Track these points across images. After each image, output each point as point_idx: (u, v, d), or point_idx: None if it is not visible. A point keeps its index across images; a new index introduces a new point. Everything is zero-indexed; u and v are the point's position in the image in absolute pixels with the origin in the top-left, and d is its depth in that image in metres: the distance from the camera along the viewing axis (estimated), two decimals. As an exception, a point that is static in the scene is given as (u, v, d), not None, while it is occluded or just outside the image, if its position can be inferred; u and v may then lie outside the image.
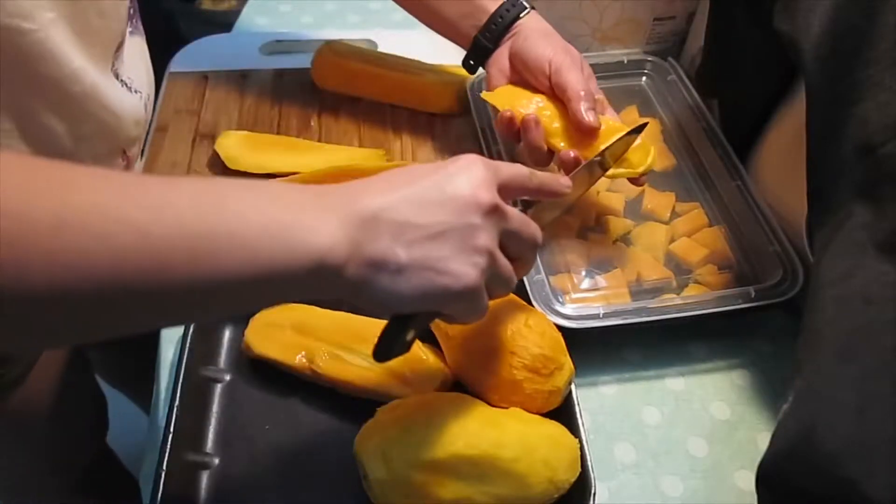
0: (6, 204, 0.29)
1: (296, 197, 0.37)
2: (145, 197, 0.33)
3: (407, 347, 0.46)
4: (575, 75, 0.63)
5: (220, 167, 0.74)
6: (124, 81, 0.60)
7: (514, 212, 0.43)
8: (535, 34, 0.66)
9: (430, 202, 0.40)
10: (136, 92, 0.62)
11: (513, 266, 0.44)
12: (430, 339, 0.59)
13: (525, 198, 0.51)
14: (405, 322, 0.44)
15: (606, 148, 0.59)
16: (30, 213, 0.30)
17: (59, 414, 0.75)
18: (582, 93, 0.61)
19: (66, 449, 0.82)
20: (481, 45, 0.68)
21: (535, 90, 0.66)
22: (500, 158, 0.72)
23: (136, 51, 0.64)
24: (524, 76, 0.67)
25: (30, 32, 0.48)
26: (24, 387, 0.68)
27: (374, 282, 0.39)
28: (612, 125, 0.64)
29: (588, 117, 0.61)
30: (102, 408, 0.88)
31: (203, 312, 0.40)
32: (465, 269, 0.40)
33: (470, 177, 0.41)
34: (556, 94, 0.64)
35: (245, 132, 0.77)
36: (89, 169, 0.33)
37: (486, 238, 0.41)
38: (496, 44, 0.68)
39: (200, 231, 0.33)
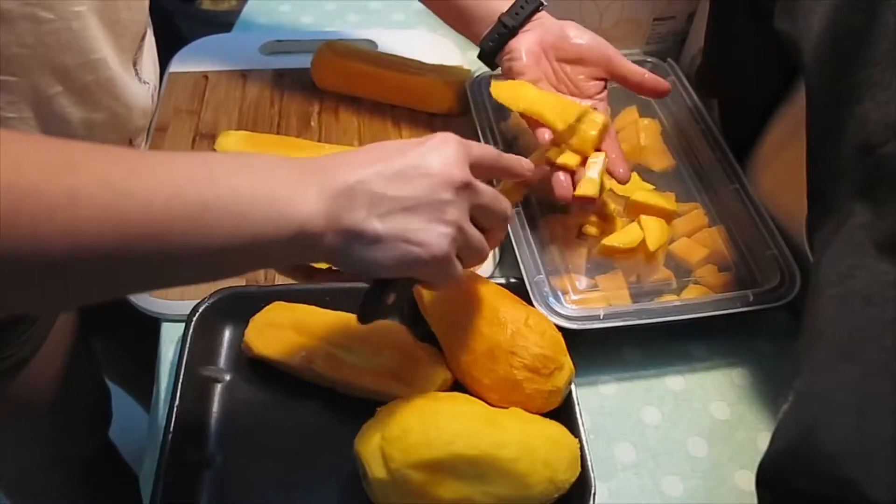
0: (24, 181, 0.32)
1: (280, 171, 0.41)
2: (147, 173, 0.36)
3: (388, 311, 0.49)
4: (626, 61, 0.67)
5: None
6: (137, 71, 0.61)
7: (485, 188, 0.46)
8: (567, 25, 0.67)
9: (404, 177, 0.43)
10: (145, 83, 0.62)
11: (485, 237, 0.48)
12: (430, 339, 0.59)
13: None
14: (384, 287, 0.47)
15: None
16: (46, 190, 0.32)
17: (62, 404, 0.75)
18: (646, 74, 0.67)
19: (68, 440, 0.82)
20: (508, 26, 0.67)
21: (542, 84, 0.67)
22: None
23: (148, 42, 0.65)
24: (562, 65, 0.67)
25: (48, 22, 0.49)
26: (28, 373, 0.68)
27: (350, 250, 0.42)
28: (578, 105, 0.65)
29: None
30: (106, 401, 0.88)
31: (198, 275, 0.43)
32: (435, 240, 0.43)
33: (443, 154, 0.44)
34: (608, 77, 0.68)
35: (245, 132, 0.77)
36: (97, 147, 0.36)
37: (456, 212, 0.44)
38: (520, 26, 0.67)
39: (196, 203, 0.37)
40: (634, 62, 0.83)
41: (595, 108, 0.65)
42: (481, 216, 0.47)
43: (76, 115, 0.54)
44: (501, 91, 0.65)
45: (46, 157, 0.34)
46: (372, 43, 0.90)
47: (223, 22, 1.12)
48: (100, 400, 0.87)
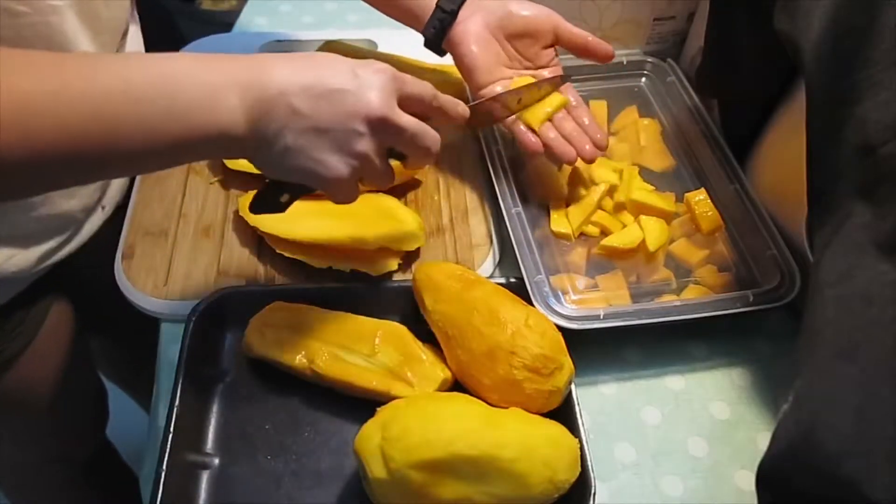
0: None
1: (203, 77, 0.43)
2: (62, 87, 0.39)
3: (281, 208, 0.54)
4: (571, 26, 0.68)
5: (219, 166, 0.75)
6: None
7: (406, 123, 0.48)
8: (508, 1, 0.68)
9: (326, 100, 0.45)
10: None
11: (408, 160, 0.52)
12: (430, 339, 0.59)
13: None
14: (281, 186, 0.52)
15: (517, 90, 0.65)
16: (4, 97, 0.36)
17: (58, 402, 0.75)
18: (589, 37, 0.68)
19: (66, 439, 0.82)
20: (447, 10, 0.67)
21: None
22: (500, 158, 0.72)
23: (135, 39, 0.64)
24: (512, 42, 0.68)
25: (24, 15, 0.49)
26: (21, 369, 0.68)
27: (263, 153, 0.46)
28: (527, 78, 0.67)
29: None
30: (103, 399, 0.88)
31: (111, 173, 0.53)
32: (336, 165, 0.47)
33: (371, 86, 0.46)
34: (564, 45, 0.69)
35: None
36: (15, 53, 0.39)
37: (365, 144, 0.47)
38: (458, 9, 0.67)
39: (109, 116, 0.40)
40: (634, 62, 0.84)
41: (549, 76, 0.68)
42: (402, 147, 0.50)
43: None
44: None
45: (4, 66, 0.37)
46: (372, 43, 0.90)
47: (223, 22, 1.12)
48: (97, 399, 0.87)
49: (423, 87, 0.50)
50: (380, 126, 0.47)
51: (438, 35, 0.67)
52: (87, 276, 0.72)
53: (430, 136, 0.50)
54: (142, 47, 0.67)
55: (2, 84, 0.37)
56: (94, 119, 0.40)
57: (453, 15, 0.66)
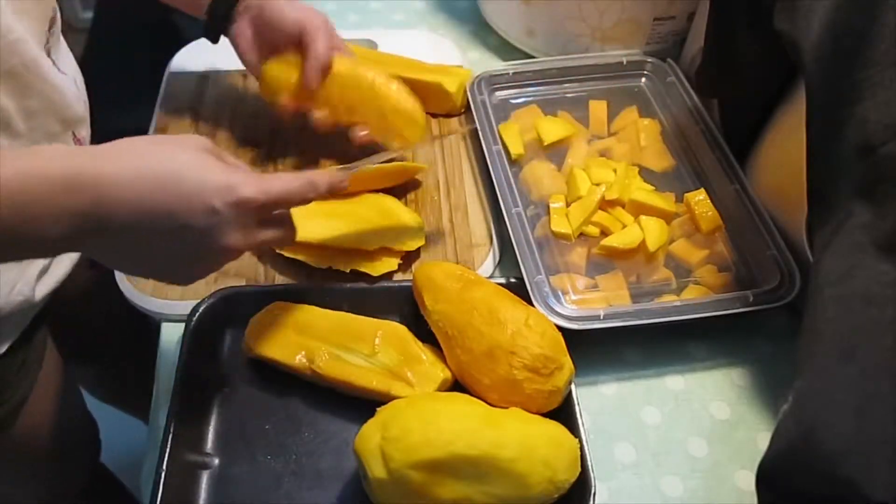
0: None
1: (46, 190, 0.40)
2: None
3: None
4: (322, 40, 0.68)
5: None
6: (53, 61, 0.59)
7: (266, 236, 0.49)
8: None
9: (184, 238, 0.44)
10: (63, 72, 0.61)
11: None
12: (430, 339, 0.59)
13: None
14: None
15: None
16: None
17: (56, 442, 0.73)
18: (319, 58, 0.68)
19: (65, 477, 0.81)
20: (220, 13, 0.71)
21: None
22: (500, 158, 0.72)
23: (60, 36, 0.64)
24: (272, 39, 0.70)
25: None
26: (29, 414, 0.67)
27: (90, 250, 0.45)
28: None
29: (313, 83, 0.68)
30: (95, 430, 0.87)
31: None
32: (200, 275, 0.49)
33: (229, 231, 0.45)
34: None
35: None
36: None
37: (234, 237, 0.45)
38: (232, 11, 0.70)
39: None
40: (634, 62, 0.84)
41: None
42: (274, 222, 0.50)
43: (11, 104, 0.53)
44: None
45: None
46: (372, 43, 0.90)
47: (223, 22, 1.12)
48: (90, 431, 0.86)
49: (292, 186, 0.49)
50: (241, 209, 0.45)
51: (216, 35, 0.73)
52: (79, 298, 0.71)
53: (287, 237, 0.51)
54: (66, 47, 0.66)
55: None
56: None
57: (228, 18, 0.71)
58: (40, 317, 0.65)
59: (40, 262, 0.61)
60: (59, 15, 0.61)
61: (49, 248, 0.45)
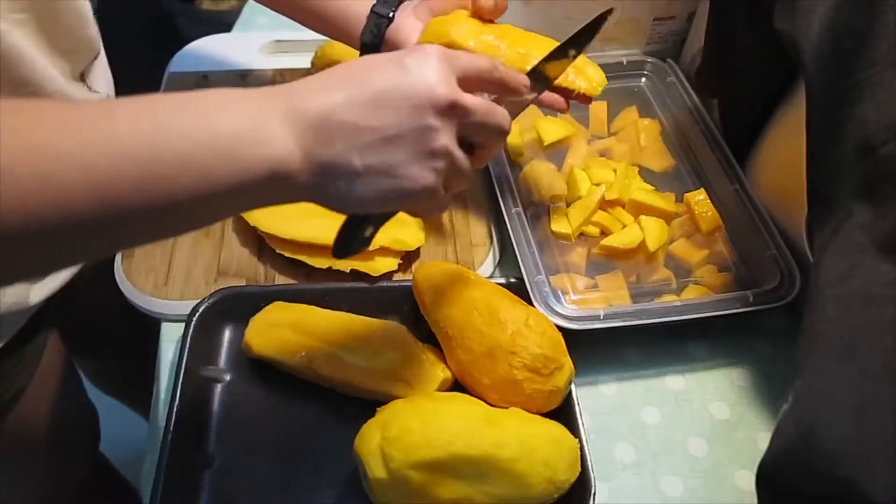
0: None
1: (240, 106, 0.37)
2: (85, 130, 0.33)
3: (366, 243, 0.47)
4: None
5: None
6: (88, 84, 0.59)
7: (475, 103, 0.41)
8: None
9: (383, 102, 0.38)
10: (95, 91, 0.61)
11: (475, 153, 0.44)
12: (430, 339, 0.59)
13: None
14: (363, 219, 0.44)
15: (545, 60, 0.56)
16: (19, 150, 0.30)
17: (54, 430, 0.73)
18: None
19: (61, 466, 0.81)
20: (383, 14, 0.63)
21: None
22: (499, 158, 0.72)
23: (102, 64, 0.63)
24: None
25: None
26: (25, 407, 0.67)
27: (329, 187, 0.39)
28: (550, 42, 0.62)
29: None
30: (95, 422, 0.87)
31: (162, 231, 0.40)
32: (422, 174, 0.40)
33: (426, 72, 0.39)
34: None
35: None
36: (20, 103, 0.32)
37: (444, 138, 0.40)
38: (395, 11, 0.63)
39: (145, 158, 0.33)
40: (634, 62, 0.84)
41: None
42: (474, 133, 0.43)
43: None
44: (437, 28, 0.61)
45: None
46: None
47: (223, 22, 1.12)
48: (89, 421, 0.86)
49: (480, 61, 0.44)
50: (450, 112, 0.40)
51: (377, 40, 0.63)
52: (82, 295, 0.71)
53: (500, 113, 0.44)
54: (106, 66, 0.65)
55: (14, 135, 0.31)
56: (127, 163, 0.33)
57: (391, 20, 0.63)
58: (40, 317, 0.65)
59: None
60: (101, 47, 0.59)
61: (270, 176, 0.37)
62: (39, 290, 0.61)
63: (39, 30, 0.51)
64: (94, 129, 0.33)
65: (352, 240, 0.45)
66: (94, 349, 0.92)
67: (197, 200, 0.35)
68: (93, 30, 0.58)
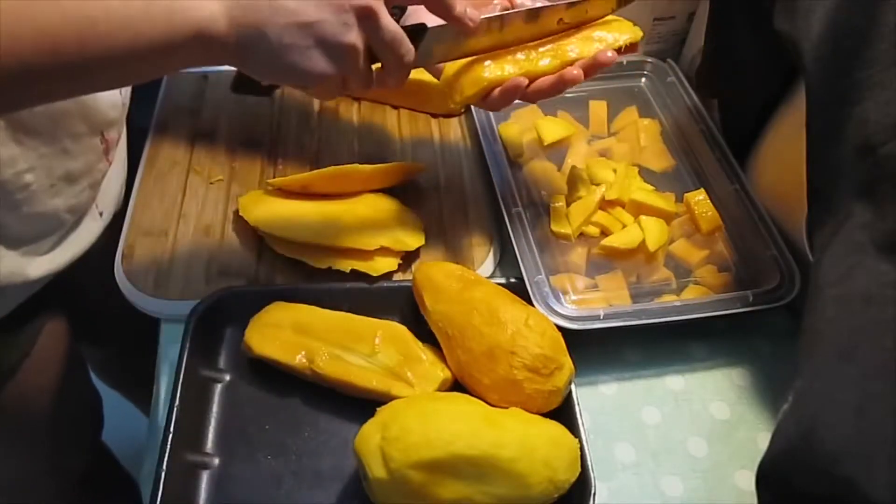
0: None
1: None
2: None
3: (267, 91, 0.54)
4: None
5: (220, 166, 0.74)
6: None
7: (388, 23, 0.47)
8: None
9: None
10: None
11: (382, 69, 0.50)
12: (430, 339, 0.59)
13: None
14: None
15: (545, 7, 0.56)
16: None
17: (55, 412, 0.74)
18: None
19: (63, 449, 0.82)
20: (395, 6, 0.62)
21: None
22: (500, 158, 0.72)
23: None
24: None
25: None
26: (19, 382, 0.68)
27: (247, 53, 0.45)
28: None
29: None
30: (98, 408, 0.88)
31: (102, 82, 0.46)
32: (325, 62, 0.46)
33: None
34: None
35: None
36: None
37: (352, 37, 0.45)
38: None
39: (85, 16, 0.40)
40: (634, 62, 0.84)
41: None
42: (379, 51, 0.48)
43: (38, 108, 0.54)
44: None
45: None
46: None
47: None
48: (93, 408, 0.87)
49: None
50: (366, 14, 0.45)
51: None
52: (86, 284, 0.71)
53: (406, 46, 0.49)
54: None
55: None
56: (69, 20, 0.39)
57: (403, 9, 0.63)
58: (39, 300, 0.65)
59: (28, 243, 0.61)
60: None
61: (196, 39, 0.43)
62: (38, 266, 0.62)
63: None
64: None
65: (250, 81, 0.50)
66: (99, 341, 0.92)
67: (131, 56, 0.42)
68: None
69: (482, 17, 0.53)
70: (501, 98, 0.57)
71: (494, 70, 0.56)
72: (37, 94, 0.44)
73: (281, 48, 0.44)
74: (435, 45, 0.53)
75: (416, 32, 0.51)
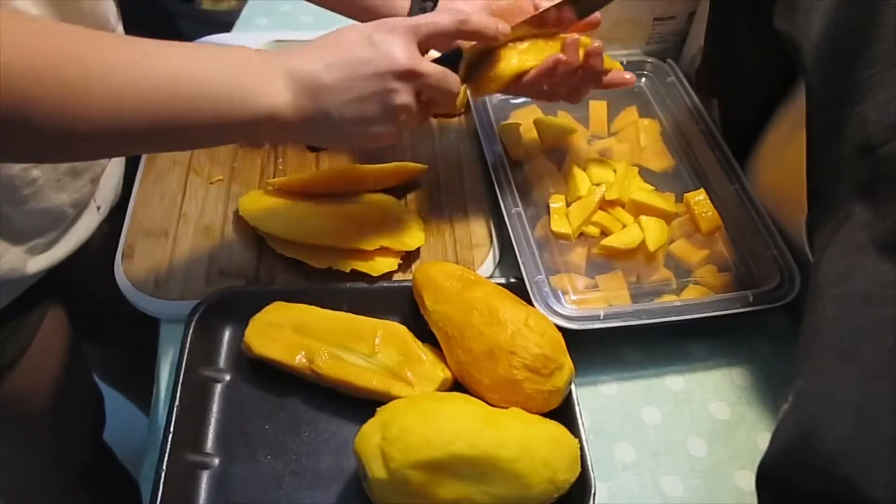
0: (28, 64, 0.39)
1: (249, 61, 0.48)
2: (144, 65, 0.44)
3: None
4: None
5: (220, 166, 0.74)
6: None
7: (430, 72, 0.52)
8: None
9: (355, 70, 0.49)
10: None
11: (434, 104, 0.55)
12: (430, 339, 0.59)
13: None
14: None
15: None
16: (58, 76, 0.40)
17: (56, 409, 0.75)
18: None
19: (64, 445, 0.82)
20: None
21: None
22: (500, 158, 0.72)
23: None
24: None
25: None
26: (19, 376, 0.68)
27: (315, 132, 0.51)
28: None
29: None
30: (100, 404, 0.88)
31: (181, 144, 0.54)
32: (385, 125, 0.51)
33: (390, 46, 0.50)
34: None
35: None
36: (102, 36, 0.44)
37: (403, 97, 0.51)
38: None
39: (184, 94, 0.45)
40: (634, 62, 0.84)
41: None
42: (429, 92, 0.53)
43: None
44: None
45: (57, 41, 0.41)
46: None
47: (223, 22, 1.12)
48: (94, 404, 0.87)
49: (440, 23, 0.53)
50: (408, 76, 0.50)
51: None
52: (85, 282, 0.72)
53: (451, 79, 0.53)
54: None
55: (105, 63, 0.42)
56: (172, 97, 0.44)
57: (435, 1, 0.65)
58: (36, 293, 0.65)
59: (32, 238, 0.62)
60: (117, 27, 0.65)
61: (269, 120, 0.48)
62: (37, 262, 0.62)
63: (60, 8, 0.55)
64: (153, 66, 0.44)
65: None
66: (99, 341, 0.93)
67: (213, 130, 0.47)
68: (119, 28, 0.63)
69: (507, 27, 0.57)
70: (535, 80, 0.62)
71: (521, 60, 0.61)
72: (117, 151, 0.53)
73: (343, 123, 0.50)
74: (472, 62, 0.59)
75: (453, 57, 0.57)
